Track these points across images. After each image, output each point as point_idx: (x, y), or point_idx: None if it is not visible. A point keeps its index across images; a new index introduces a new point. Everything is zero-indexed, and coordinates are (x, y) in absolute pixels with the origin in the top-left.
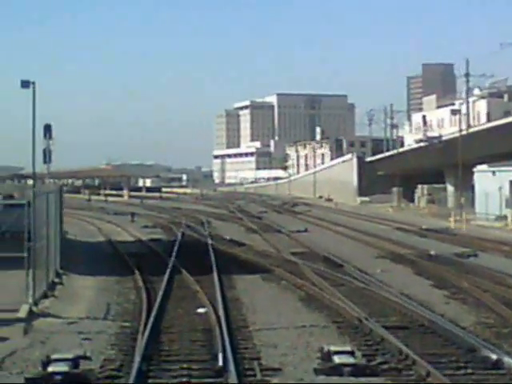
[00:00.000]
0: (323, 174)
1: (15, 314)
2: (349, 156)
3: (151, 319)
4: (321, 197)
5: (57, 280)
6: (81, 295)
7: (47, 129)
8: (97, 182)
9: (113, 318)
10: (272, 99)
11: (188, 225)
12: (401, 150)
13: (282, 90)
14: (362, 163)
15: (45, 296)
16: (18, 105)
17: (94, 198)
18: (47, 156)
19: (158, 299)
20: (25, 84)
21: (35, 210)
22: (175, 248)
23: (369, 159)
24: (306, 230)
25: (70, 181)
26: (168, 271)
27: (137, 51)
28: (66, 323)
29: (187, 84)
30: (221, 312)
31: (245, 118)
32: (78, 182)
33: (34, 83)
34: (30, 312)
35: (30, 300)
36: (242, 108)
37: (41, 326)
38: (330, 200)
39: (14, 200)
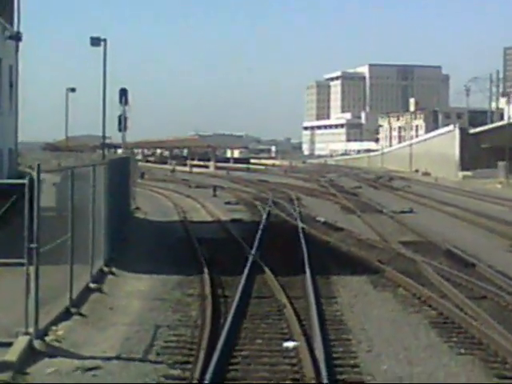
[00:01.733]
0: (420, 146)
1: (4, 354)
2: (450, 127)
3: (213, 363)
4: (417, 171)
5: (93, 285)
6: (122, 310)
7: (123, 93)
8: (185, 152)
9: (156, 357)
10: (363, 70)
11: (275, 201)
12: None
13: (373, 60)
14: (464, 135)
15: (66, 314)
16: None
17: (179, 168)
18: (122, 123)
19: (229, 320)
20: (95, 41)
21: (39, 194)
22: (258, 233)
23: (472, 131)
24: (411, 211)
25: (158, 151)
26: (246, 270)
27: (227, 17)
28: (82, 369)
29: (278, 54)
30: (319, 351)
31: (335, 88)
32: (167, 153)
33: (105, 40)
34: (30, 348)
35: (31, 329)
36: (332, 79)
37: (40, 375)
38: (427, 174)
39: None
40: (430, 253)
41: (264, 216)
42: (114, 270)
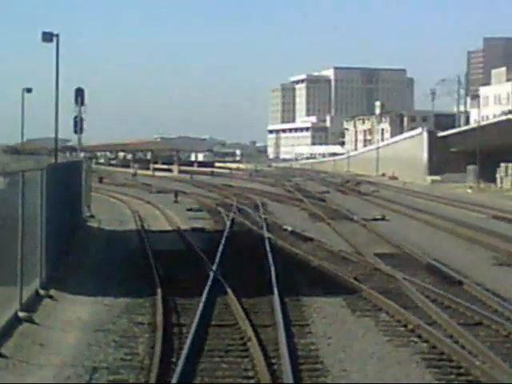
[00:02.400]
0: (387, 149)
1: None
2: (418, 130)
3: None
4: (383, 174)
5: (23, 314)
6: (54, 347)
7: (78, 94)
8: (149, 155)
9: None
10: (329, 73)
11: (239, 208)
12: (483, 123)
13: (338, 63)
14: (432, 138)
15: None
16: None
17: (142, 172)
18: (78, 125)
19: (182, 359)
20: (47, 37)
21: None
22: (221, 245)
23: (441, 134)
24: (383, 218)
25: (120, 154)
26: (206, 290)
27: (189, 19)
28: None
29: (243, 56)
30: None
31: (300, 91)
32: (130, 156)
33: (57, 36)
34: None
35: None
36: (298, 82)
37: None
38: (394, 178)
39: None
40: (409, 267)
41: (228, 224)
42: (52, 292)
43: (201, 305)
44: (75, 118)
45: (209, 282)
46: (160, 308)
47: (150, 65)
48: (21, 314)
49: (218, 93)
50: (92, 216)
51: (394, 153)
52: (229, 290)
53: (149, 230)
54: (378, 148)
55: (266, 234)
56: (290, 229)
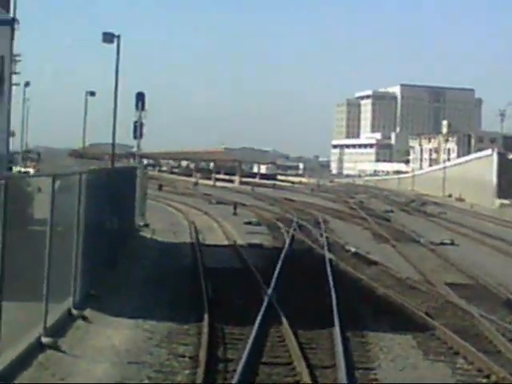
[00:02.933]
0: (454, 170)
1: None
2: (488, 151)
3: None
4: (450, 196)
5: (47, 340)
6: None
7: (139, 98)
8: (211, 165)
9: None
10: (395, 90)
11: (300, 224)
12: None
13: (404, 80)
14: (502, 160)
15: None
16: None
17: (203, 182)
18: (138, 130)
19: None
20: (107, 37)
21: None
22: (278, 264)
23: None
24: (452, 243)
25: (183, 162)
26: (259, 319)
27: (257, 29)
28: None
29: (309, 70)
30: None
31: (366, 107)
32: (194, 165)
33: (119, 37)
34: None
35: None
36: (363, 97)
37: None
38: (461, 200)
39: None
40: (485, 302)
41: (287, 241)
42: (87, 312)
43: (251, 337)
44: (135, 122)
45: (262, 309)
46: (205, 338)
47: (214, 74)
48: (44, 340)
49: (283, 106)
50: (146, 225)
51: (462, 174)
52: (284, 320)
53: (203, 244)
54: (444, 168)
55: (327, 255)
56: (352, 250)
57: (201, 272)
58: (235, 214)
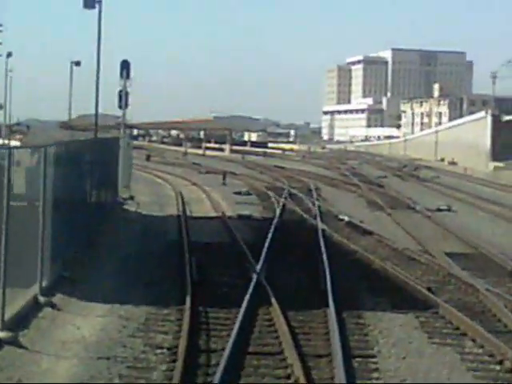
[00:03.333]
0: (446, 133)
1: None
2: (481, 114)
3: None
4: (443, 159)
5: (5, 334)
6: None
7: (124, 66)
8: (202, 134)
9: None
10: (386, 54)
11: (291, 192)
12: None
13: (396, 44)
14: (496, 123)
15: None
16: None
17: (193, 151)
18: (123, 99)
19: None
20: (89, 2)
21: None
22: (268, 237)
23: (506, 118)
24: (449, 209)
25: (174, 132)
26: (246, 300)
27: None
28: None
29: (299, 36)
30: None
31: (357, 73)
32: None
33: (100, 1)
34: None
35: None
36: (354, 63)
37: None
38: (454, 164)
39: None
40: (490, 273)
41: (277, 211)
42: (57, 298)
43: (237, 323)
44: (120, 92)
45: (250, 289)
46: (187, 323)
47: (205, 42)
48: (1, 335)
49: (272, 73)
50: (131, 197)
51: (455, 137)
52: (274, 301)
53: (190, 217)
54: (437, 131)
55: (320, 225)
56: (346, 219)
57: (185, 248)
58: (224, 183)
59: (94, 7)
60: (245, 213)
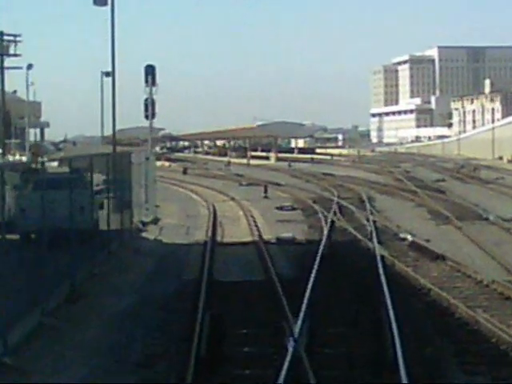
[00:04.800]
0: (503, 130)
1: None
2: None
3: None
4: (501, 158)
5: None
6: None
7: (149, 71)
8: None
9: None
10: (432, 53)
11: (341, 205)
12: None
13: (442, 42)
14: None
15: None
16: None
17: (237, 161)
18: (150, 108)
19: None
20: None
21: None
22: (312, 274)
23: None
24: None
25: (219, 142)
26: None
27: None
28: None
29: (343, 39)
30: None
31: (403, 73)
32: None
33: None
34: None
35: None
36: (400, 63)
37: None
38: None
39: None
40: None
41: (325, 231)
42: None
43: None
44: (145, 100)
45: (284, 370)
46: None
47: (245, 50)
48: None
49: (319, 77)
50: (155, 221)
51: None
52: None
53: (220, 243)
54: (493, 128)
55: (378, 249)
56: (409, 238)
57: (202, 295)
58: (266, 197)
59: (105, 4)
60: (286, 235)
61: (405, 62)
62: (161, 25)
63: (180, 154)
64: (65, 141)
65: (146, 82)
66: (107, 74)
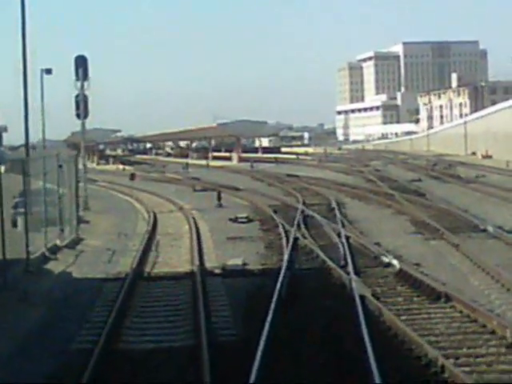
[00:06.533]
0: (475, 124)
1: None
2: None
3: None
4: (474, 153)
5: None
6: None
7: (80, 64)
8: (213, 143)
9: None
10: (397, 49)
11: (306, 214)
12: None
13: (407, 38)
14: None
15: None
16: None
17: (197, 162)
18: (81, 106)
19: None
20: None
21: None
22: (263, 334)
23: None
24: None
25: (182, 143)
26: None
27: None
28: None
29: (306, 36)
30: None
31: (368, 70)
32: (194, 145)
33: None
34: None
35: None
36: (365, 60)
37: None
38: (488, 157)
39: None
40: None
41: (286, 254)
42: None
43: None
44: (76, 97)
45: None
46: None
47: (203, 40)
48: None
49: (281, 75)
50: (75, 242)
51: (486, 128)
52: None
53: (145, 277)
54: (465, 123)
55: (355, 283)
56: (395, 263)
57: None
58: (220, 205)
59: None
60: (234, 263)
61: (370, 58)
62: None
63: (143, 157)
64: (19, 146)
65: (77, 75)
66: (47, 72)
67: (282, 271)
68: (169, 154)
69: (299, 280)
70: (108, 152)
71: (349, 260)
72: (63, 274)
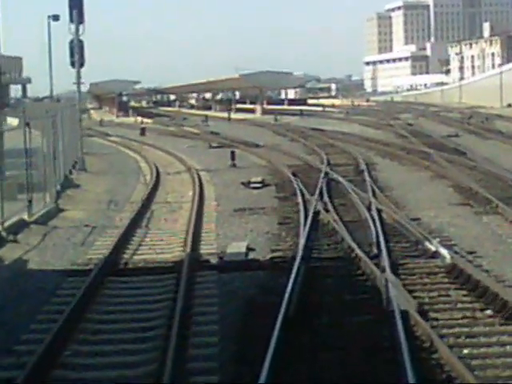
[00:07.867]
0: (511, 75)
1: None
2: None
3: None
4: (510, 105)
5: None
6: None
7: (75, 5)
8: (238, 95)
9: None
10: None
11: (330, 178)
12: None
13: None
14: None
15: None
16: None
17: (219, 115)
18: (77, 54)
19: None
20: None
21: None
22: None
23: None
24: None
25: (207, 95)
26: None
27: None
28: None
29: None
30: None
31: (397, 19)
32: (219, 97)
33: None
34: None
35: None
36: (394, 9)
37: None
38: None
39: None
40: None
41: (302, 239)
42: None
43: None
44: (71, 42)
45: None
46: None
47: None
48: None
49: (309, 26)
50: (50, 215)
51: None
52: None
53: (122, 269)
54: (501, 73)
55: (392, 287)
56: (446, 255)
57: None
58: (234, 165)
59: None
60: (236, 250)
61: (399, 8)
62: None
63: (166, 108)
64: (51, 97)
65: (71, 18)
66: (54, 18)
67: (296, 264)
68: (192, 106)
69: (315, 282)
70: (133, 103)
71: (382, 246)
72: (16, 264)
